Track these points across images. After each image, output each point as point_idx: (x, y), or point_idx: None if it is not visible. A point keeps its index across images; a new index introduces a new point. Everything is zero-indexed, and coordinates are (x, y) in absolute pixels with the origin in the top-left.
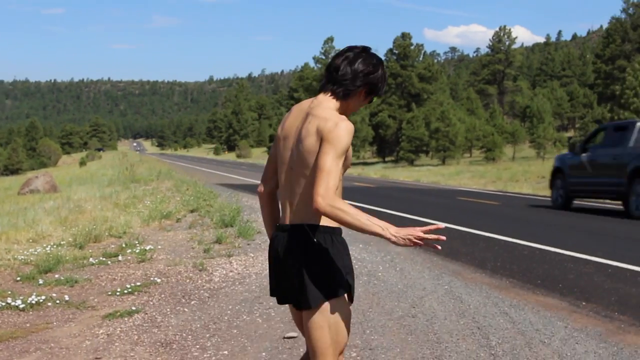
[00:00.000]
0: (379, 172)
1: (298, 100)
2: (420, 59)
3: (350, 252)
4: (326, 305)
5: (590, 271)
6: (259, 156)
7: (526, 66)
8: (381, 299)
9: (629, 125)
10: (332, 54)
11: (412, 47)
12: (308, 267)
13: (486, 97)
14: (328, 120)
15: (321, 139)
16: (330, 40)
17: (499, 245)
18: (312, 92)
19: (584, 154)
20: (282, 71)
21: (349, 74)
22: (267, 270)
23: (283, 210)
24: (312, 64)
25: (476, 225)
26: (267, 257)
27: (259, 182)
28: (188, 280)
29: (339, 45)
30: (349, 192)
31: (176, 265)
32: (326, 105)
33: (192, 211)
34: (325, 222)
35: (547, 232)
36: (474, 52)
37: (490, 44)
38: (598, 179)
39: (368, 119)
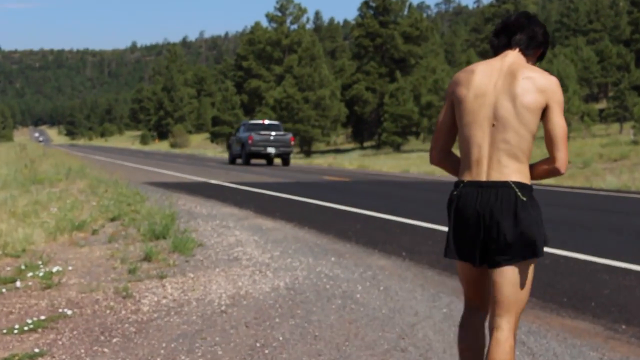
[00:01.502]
0: (355, 162)
1: (247, 71)
2: (405, 13)
3: (320, 269)
4: (527, 263)
5: (631, 284)
6: (200, 144)
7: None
8: (361, 329)
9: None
10: (291, 9)
11: None
12: (516, 225)
13: None
14: (549, 78)
15: (548, 102)
16: None
17: None
18: (265, 59)
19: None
20: (227, 33)
21: (541, 30)
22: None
23: (473, 166)
24: (264, 23)
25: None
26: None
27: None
28: (108, 311)
29: None
30: (316, 189)
31: (92, 291)
32: (526, 63)
33: (112, 220)
34: (526, 179)
35: (574, 233)
36: (474, 2)
37: None
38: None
39: (339, 92)
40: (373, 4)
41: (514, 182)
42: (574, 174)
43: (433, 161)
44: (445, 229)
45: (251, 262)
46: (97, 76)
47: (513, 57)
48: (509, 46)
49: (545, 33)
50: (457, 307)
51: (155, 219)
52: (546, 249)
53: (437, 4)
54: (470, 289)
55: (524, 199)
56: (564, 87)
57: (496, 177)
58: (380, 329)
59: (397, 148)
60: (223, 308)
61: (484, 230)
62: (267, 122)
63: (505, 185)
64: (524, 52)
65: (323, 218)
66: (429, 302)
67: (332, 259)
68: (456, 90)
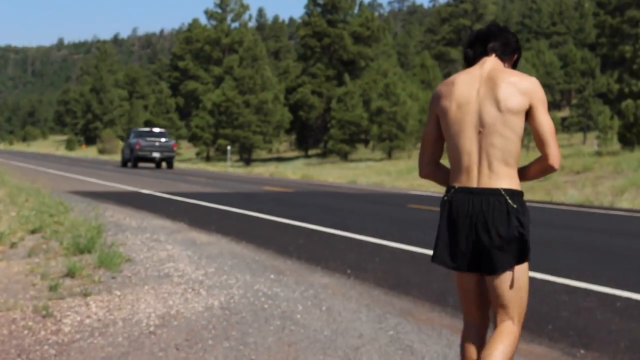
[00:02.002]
0: (299, 171)
1: (184, 72)
2: (355, 11)
3: (258, 287)
4: (520, 267)
5: (591, 305)
6: None
7: (502, 20)
8: (300, 352)
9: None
10: (233, 5)
11: None
12: (508, 231)
13: (448, 64)
14: (530, 79)
15: (531, 102)
16: None
17: None
18: (204, 59)
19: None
20: (162, 30)
21: (513, 38)
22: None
23: (464, 172)
24: (203, 20)
25: (434, 245)
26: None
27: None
28: (26, 332)
29: None
30: (256, 200)
31: (9, 310)
32: (505, 68)
33: (33, 232)
34: (516, 185)
35: (535, 252)
36: (430, 2)
37: None
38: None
39: (283, 96)
40: (321, 2)
41: (505, 190)
42: (533, 186)
43: (422, 174)
44: (394, 244)
45: (183, 279)
46: (19, 75)
47: (491, 63)
48: (485, 54)
49: (517, 40)
50: (405, 329)
51: (79, 232)
52: None
53: (389, 2)
54: (469, 303)
55: (515, 206)
56: None
57: (487, 183)
58: (321, 352)
59: (344, 157)
60: (152, 329)
61: (476, 236)
62: (155, 129)
63: (496, 192)
64: (500, 57)
65: (262, 232)
66: (375, 323)
67: (271, 276)
68: (439, 103)
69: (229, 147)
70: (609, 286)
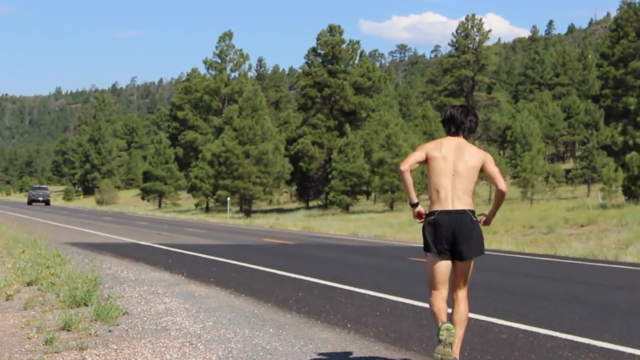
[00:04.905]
0: (300, 223)
1: (183, 122)
2: (356, 61)
3: (257, 341)
4: (475, 258)
5: None
6: (129, 202)
7: (505, 71)
8: None
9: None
10: (232, 55)
11: (343, 46)
12: (471, 235)
13: None
14: (484, 152)
15: (484, 162)
16: (227, 36)
17: (467, 327)
18: (203, 109)
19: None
20: (161, 80)
21: (475, 121)
22: None
23: (442, 200)
24: (202, 69)
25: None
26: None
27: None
28: None
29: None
30: (255, 252)
31: None
32: (467, 143)
33: (29, 284)
34: (472, 207)
35: (534, 305)
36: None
37: (454, 40)
38: None
39: (283, 147)
40: (321, 51)
41: (468, 210)
42: (536, 239)
43: (403, 167)
44: (395, 298)
45: (181, 332)
46: (16, 125)
47: (460, 140)
48: (457, 134)
49: (477, 121)
50: None
51: (76, 284)
52: (503, 322)
53: (391, 53)
54: (440, 279)
55: (475, 218)
56: (528, 145)
57: (457, 206)
58: None
59: (345, 208)
60: None
61: (453, 238)
62: (42, 185)
63: (464, 212)
64: (466, 137)
65: (262, 285)
66: None
67: (271, 330)
68: (431, 152)
69: (228, 199)
70: (613, 342)
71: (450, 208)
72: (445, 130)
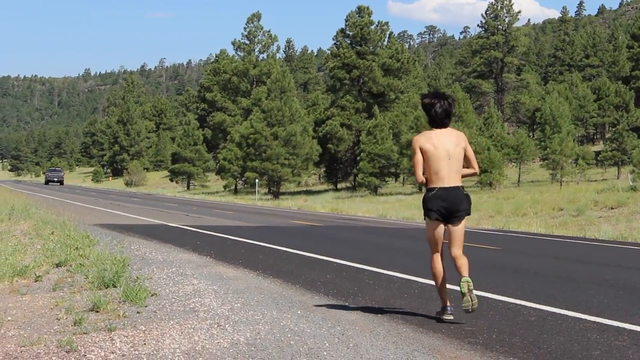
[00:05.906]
0: (328, 205)
1: (211, 103)
2: (385, 43)
3: (285, 323)
4: (464, 223)
5: (623, 344)
6: (158, 183)
7: (534, 52)
8: None
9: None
10: (260, 36)
11: (372, 27)
12: (464, 203)
13: (479, 97)
14: (461, 134)
15: (465, 144)
16: (255, 17)
17: (495, 309)
18: (231, 91)
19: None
20: (190, 61)
21: (454, 104)
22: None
23: (443, 179)
24: (230, 51)
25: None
26: (178, 323)
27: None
28: None
29: (268, 24)
30: (284, 234)
31: (33, 344)
32: (451, 129)
33: (58, 265)
34: (461, 182)
35: (563, 288)
36: (461, 34)
37: (483, 21)
38: None
39: (312, 128)
40: (350, 33)
41: (461, 186)
42: (566, 222)
43: (419, 180)
44: (422, 280)
45: (209, 314)
46: (45, 106)
47: (447, 130)
48: (443, 125)
49: (453, 105)
50: None
51: (105, 265)
52: (532, 305)
53: (420, 34)
54: (439, 242)
55: (466, 193)
56: (557, 127)
57: (452, 184)
58: None
59: (374, 190)
60: None
61: (450, 208)
62: (56, 168)
63: (458, 187)
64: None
65: (290, 267)
66: None
67: (298, 312)
68: (424, 146)
69: (257, 180)
70: None
71: (446, 185)
72: (437, 123)
